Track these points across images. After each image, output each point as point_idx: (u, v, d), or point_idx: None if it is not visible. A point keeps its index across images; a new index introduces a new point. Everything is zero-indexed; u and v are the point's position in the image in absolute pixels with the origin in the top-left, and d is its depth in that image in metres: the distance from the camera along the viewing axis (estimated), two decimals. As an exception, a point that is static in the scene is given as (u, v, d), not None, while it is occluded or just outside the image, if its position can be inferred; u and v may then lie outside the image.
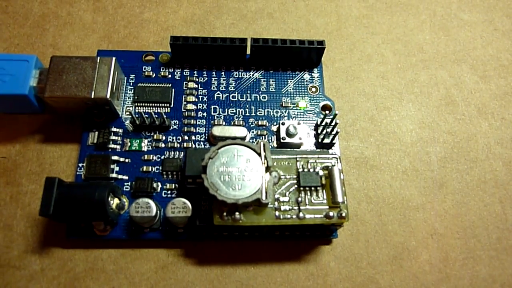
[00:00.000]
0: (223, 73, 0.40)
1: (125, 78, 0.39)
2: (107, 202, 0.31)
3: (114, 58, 0.35)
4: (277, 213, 0.31)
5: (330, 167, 0.32)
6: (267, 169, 0.31)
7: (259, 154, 0.31)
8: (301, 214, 0.31)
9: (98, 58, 0.35)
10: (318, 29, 0.44)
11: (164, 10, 0.44)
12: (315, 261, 0.35)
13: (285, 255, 0.35)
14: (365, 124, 0.40)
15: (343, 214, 0.31)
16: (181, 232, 0.34)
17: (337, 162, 0.33)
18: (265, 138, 0.37)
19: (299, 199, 0.31)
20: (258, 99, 0.39)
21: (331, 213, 0.31)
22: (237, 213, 0.30)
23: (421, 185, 0.38)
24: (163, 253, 0.34)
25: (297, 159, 0.33)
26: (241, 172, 0.31)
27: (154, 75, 0.39)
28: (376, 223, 0.36)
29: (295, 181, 0.32)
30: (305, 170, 0.32)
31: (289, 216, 0.31)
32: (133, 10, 0.44)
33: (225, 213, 0.30)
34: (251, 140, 0.37)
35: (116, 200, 0.34)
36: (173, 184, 0.35)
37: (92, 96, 0.34)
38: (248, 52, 0.39)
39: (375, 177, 0.38)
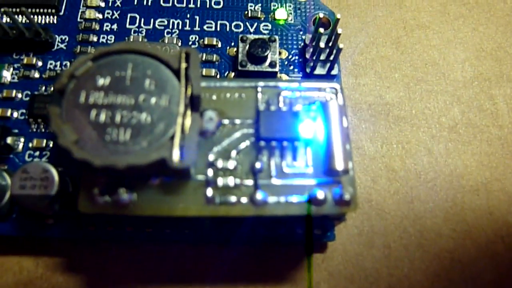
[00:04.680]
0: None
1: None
2: None
3: None
4: (209, 192, 0.15)
5: (323, 103, 0.16)
6: (193, 103, 0.15)
7: (177, 72, 0.16)
8: (259, 196, 0.15)
9: None
10: None
11: None
12: (294, 282, 0.19)
13: (244, 265, 0.19)
14: (387, 51, 0.24)
15: (347, 197, 0.15)
16: (50, 224, 0.19)
17: (336, 97, 0.17)
18: (216, 67, 0.22)
19: (257, 165, 0.16)
20: (208, 6, 0.23)
21: (319, 194, 0.15)
22: (123, 191, 0.15)
23: (482, 151, 0.22)
24: (29, 261, 0.20)
25: (259, 89, 0.17)
26: (136, 107, 0.15)
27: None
28: (404, 215, 0.21)
29: (251, 131, 0.16)
30: (272, 108, 0.17)
31: (234, 199, 0.15)
32: None
33: (97, 191, 0.15)
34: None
35: None
36: (45, 140, 0.20)
37: None
38: None
39: (403, 137, 0.22)
